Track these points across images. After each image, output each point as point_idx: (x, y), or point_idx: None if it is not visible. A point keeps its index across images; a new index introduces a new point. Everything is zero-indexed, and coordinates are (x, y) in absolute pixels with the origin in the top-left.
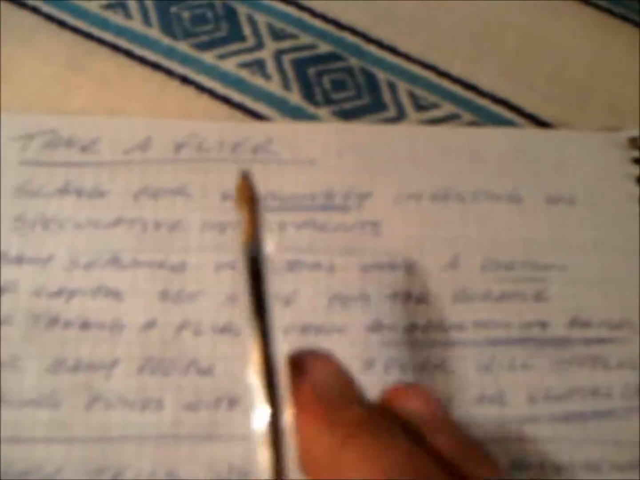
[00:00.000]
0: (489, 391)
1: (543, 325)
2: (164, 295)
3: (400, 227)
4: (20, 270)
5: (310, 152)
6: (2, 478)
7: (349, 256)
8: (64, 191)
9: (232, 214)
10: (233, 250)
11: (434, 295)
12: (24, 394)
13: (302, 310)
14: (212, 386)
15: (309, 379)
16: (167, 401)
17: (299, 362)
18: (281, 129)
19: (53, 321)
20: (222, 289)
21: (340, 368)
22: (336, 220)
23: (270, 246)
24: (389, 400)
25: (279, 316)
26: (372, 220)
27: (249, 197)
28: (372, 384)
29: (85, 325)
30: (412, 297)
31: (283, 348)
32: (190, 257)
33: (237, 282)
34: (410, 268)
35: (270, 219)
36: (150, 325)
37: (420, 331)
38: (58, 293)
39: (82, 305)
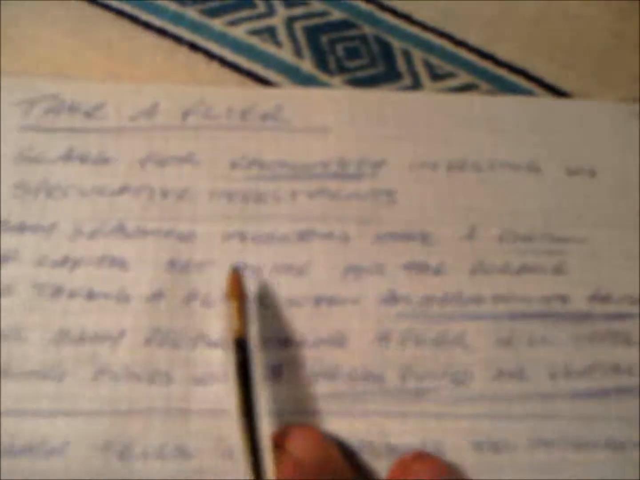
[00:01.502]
0: (508, 366)
1: (563, 299)
2: (172, 265)
3: (416, 197)
4: (22, 238)
5: (322, 119)
6: (6, 451)
7: (363, 225)
8: (67, 157)
9: (241, 183)
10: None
11: (451, 266)
12: (28, 365)
13: (315, 281)
14: (221, 359)
15: (289, 455)
16: (175, 374)
17: (281, 439)
18: (292, 95)
19: (57, 291)
20: (230, 258)
21: (321, 442)
22: (349, 189)
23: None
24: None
25: (292, 286)
26: (386, 189)
27: (238, 293)
28: (388, 358)
29: (90, 295)
30: (429, 268)
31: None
32: (198, 226)
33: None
34: (426, 238)
35: (281, 188)
36: (157, 295)
37: (437, 304)
38: (62, 262)
39: (86, 275)
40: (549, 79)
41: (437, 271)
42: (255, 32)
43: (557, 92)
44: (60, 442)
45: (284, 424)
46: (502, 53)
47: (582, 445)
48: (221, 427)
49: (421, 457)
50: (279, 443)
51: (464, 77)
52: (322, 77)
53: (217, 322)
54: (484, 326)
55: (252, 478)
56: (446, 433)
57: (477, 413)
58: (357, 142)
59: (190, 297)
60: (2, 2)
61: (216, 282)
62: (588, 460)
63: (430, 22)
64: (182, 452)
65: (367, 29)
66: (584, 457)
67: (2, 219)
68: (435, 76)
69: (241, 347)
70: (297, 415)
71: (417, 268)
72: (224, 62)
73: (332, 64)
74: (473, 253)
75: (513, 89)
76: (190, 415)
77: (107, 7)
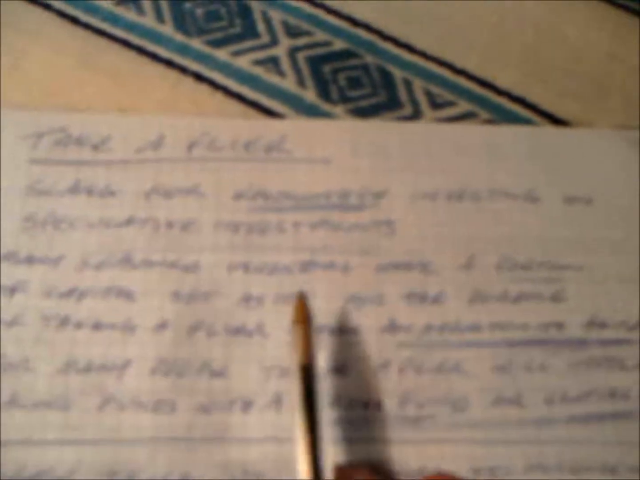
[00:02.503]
0: (506, 393)
1: (560, 326)
2: (177, 295)
3: (416, 227)
4: (30, 270)
5: (325, 151)
6: None
7: (364, 256)
8: (74, 190)
9: (245, 214)
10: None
11: (450, 295)
12: (36, 395)
13: (317, 311)
14: (225, 388)
15: None
16: (180, 403)
17: (343, 474)
18: (295, 127)
19: (64, 322)
20: (235, 289)
21: None
22: (351, 220)
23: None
24: None
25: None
26: (387, 219)
27: (304, 318)
28: (388, 385)
29: (96, 326)
30: (428, 297)
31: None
32: (203, 257)
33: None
34: (425, 268)
35: (284, 219)
36: (162, 326)
37: (436, 332)
38: (69, 293)
39: (93, 306)
40: (547, 106)
41: (436, 300)
42: (259, 62)
43: (554, 119)
44: (66, 470)
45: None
46: (501, 81)
47: (578, 470)
48: (226, 455)
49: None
50: (340, 475)
51: (463, 106)
52: (325, 106)
53: (220, 351)
54: (482, 353)
55: None
56: (445, 459)
57: (475, 439)
58: (358, 173)
59: (195, 327)
60: (11, 33)
61: (221, 313)
62: None
63: (431, 52)
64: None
65: (369, 59)
66: None
67: (11, 251)
68: (436, 105)
69: (308, 373)
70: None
71: (417, 297)
72: (228, 92)
73: (335, 94)
74: (472, 282)
75: (512, 117)
76: (195, 443)
77: (114, 38)
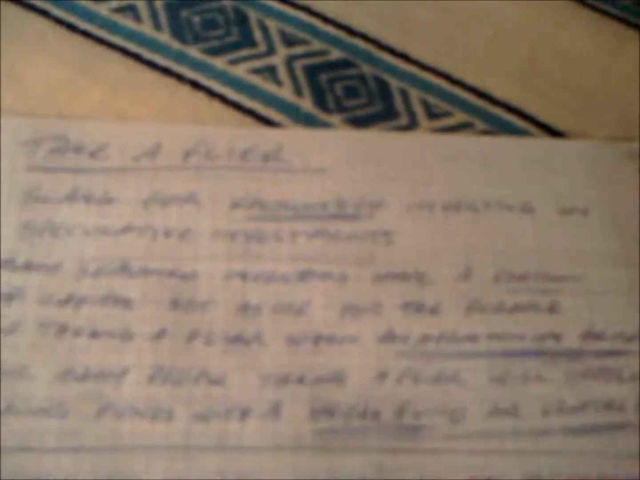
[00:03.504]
0: (502, 403)
1: (557, 337)
2: (174, 304)
3: (413, 237)
4: (27, 277)
5: (321, 160)
6: None
7: (361, 266)
8: (72, 197)
9: (242, 223)
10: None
11: (447, 306)
12: (33, 403)
13: (314, 321)
14: (223, 396)
15: None
16: (177, 411)
17: None
18: (291, 136)
19: (62, 329)
20: (233, 298)
21: None
22: (348, 230)
23: None
24: None
25: (291, 325)
26: (384, 229)
27: None
28: (385, 395)
29: (94, 334)
30: (425, 307)
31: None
32: (200, 265)
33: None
34: (422, 278)
35: (281, 228)
36: (160, 334)
37: (434, 342)
38: (66, 301)
39: (91, 314)
40: (543, 117)
41: (434, 310)
42: (256, 71)
43: (551, 130)
44: (64, 478)
45: None
46: (497, 92)
47: None
48: (223, 464)
49: None
50: None
51: (459, 116)
52: (322, 115)
53: (218, 359)
54: (479, 364)
55: None
56: (442, 469)
57: (472, 449)
58: (355, 183)
59: (192, 336)
60: (8, 40)
61: (218, 321)
62: None
63: (427, 62)
64: None
65: (365, 68)
66: None
67: (8, 258)
68: (432, 115)
69: None
70: (296, 450)
71: (414, 307)
72: (225, 100)
73: (331, 103)
74: (468, 292)
75: (508, 128)
76: (192, 451)
77: (112, 46)
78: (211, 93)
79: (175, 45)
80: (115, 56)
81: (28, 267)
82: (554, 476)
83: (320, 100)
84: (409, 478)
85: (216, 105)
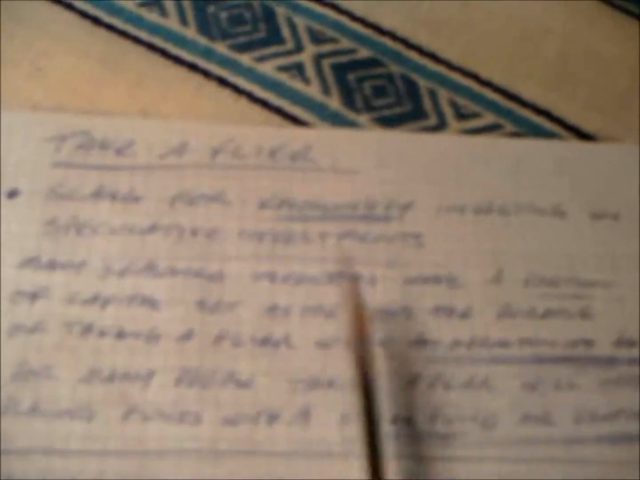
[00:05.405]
0: (534, 410)
1: (588, 343)
2: (202, 305)
3: (443, 240)
4: (52, 275)
5: (351, 160)
6: None
7: (390, 268)
8: (97, 195)
9: (270, 223)
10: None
11: (478, 310)
12: (58, 404)
13: (344, 324)
14: (251, 400)
15: None
16: (205, 414)
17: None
18: (320, 136)
19: (87, 329)
20: (260, 299)
21: None
22: (377, 231)
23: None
24: None
25: (321, 328)
26: (414, 231)
27: (357, 305)
28: (416, 401)
29: (120, 335)
30: (456, 311)
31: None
32: (228, 266)
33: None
34: (453, 282)
35: (310, 229)
36: (187, 335)
37: (465, 347)
38: (92, 300)
39: (117, 314)
40: (572, 119)
41: (464, 315)
42: (283, 69)
43: (580, 133)
44: None
45: None
46: (526, 93)
47: None
48: (252, 469)
49: None
50: None
51: (489, 118)
52: (349, 115)
53: (246, 362)
54: (510, 370)
55: None
56: (472, 476)
57: (503, 457)
58: (384, 184)
59: (220, 337)
60: (33, 34)
61: (246, 323)
62: None
63: (456, 62)
64: None
65: (394, 68)
66: None
67: (33, 256)
68: (461, 116)
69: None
70: (323, 455)
71: (445, 311)
72: (251, 97)
73: (359, 102)
74: (499, 297)
75: (537, 130)
76: (220, 455)
77: (138, 40)
78: (238, 90)
79: (202, 41)
80: (141, 51)
81: (52, 265)
82: None
83: (348, 99)
84: None
85: (243, 102)
